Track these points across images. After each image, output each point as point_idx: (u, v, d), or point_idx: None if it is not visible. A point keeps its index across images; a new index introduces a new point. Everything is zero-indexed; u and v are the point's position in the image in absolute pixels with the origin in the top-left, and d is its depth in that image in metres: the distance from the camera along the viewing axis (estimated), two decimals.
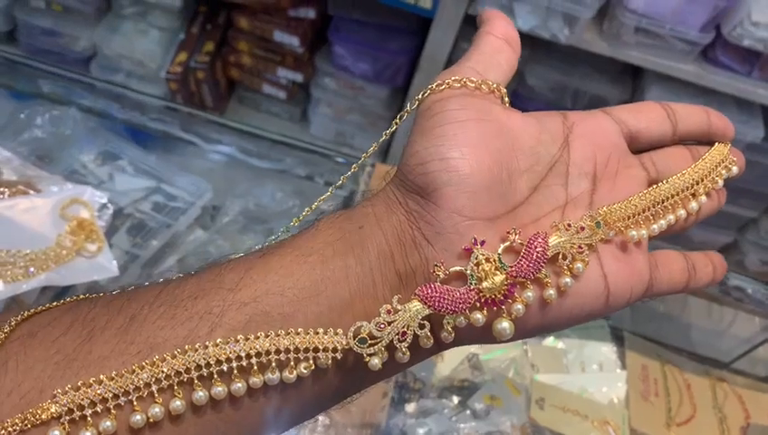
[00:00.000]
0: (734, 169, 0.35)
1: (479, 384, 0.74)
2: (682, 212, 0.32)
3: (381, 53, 1.39)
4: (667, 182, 0.32)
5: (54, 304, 0.28)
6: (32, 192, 0.61)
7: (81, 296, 0.29)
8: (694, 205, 0.33)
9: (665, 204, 0.32)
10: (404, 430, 0.69)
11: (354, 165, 0.37)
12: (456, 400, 0.72)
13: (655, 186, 0.32)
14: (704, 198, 0.33)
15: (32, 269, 0.57)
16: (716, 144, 0.35)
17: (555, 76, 1.32)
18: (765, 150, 1.27)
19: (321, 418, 0.61)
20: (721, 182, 0.34)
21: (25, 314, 0.27)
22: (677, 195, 0.32)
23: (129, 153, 0.74)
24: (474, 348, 0.80)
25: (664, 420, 0.76)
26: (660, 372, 0.81)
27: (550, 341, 0.83)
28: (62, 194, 0.62)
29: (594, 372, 0.80)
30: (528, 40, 1.25)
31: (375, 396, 0.66)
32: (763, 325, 0.79)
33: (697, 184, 0.33)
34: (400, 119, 0.34)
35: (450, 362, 0.78)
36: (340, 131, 1.54)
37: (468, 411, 0.70)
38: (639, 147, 0.34)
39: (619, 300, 0.30)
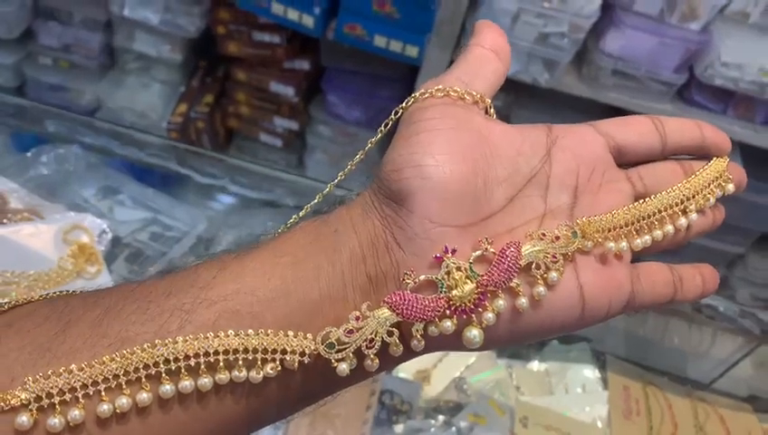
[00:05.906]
0: (730, 187, 0.33)
1: (464, 405, 0.77)
2: (670, 228, 0.31)
3: (373, 101, 1.45)
4: (654, 198, 0.31)
5: (35, 298, 0.29)
6: (36, 219, 0.66)
7: (62, 292, 0.31)
8: (683, 221, 0.32)
9: (651, 219, 0.31)
10: None
11: (330, 184, 0.37)
12: (441, 419, 0.75)
13: (641, 201, 0.31)
14: (694, 215, 0.32)
15: (35, 289, 0.60)
16: (714, 159, 0.33)
17: (540, 118, 1.36)
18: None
19: (306, 429, 0.63)
20: (713, 200, 0.33)
21: (5, 307, 0.28)
22: (665, 211, 0.31)
23: (128, 188, 0.78)
24: (460, 371, 0.83)
25: None
26: (642, 392, 0.83)
27: (534, 364, 0.86)
28: (65, 220, 0.67)
29: (577, 394, 0.83)
30: (512, 85, 1.30)
31: (358, 409, 0.69)
32: (739, 345, 0.82)
33: (688, 200, 0.32)
34: (385, 126, 0.34)
35: (437, 385, 0.80)
36: (336, 177, 1.60)
37: (453, 429, 0.73)
38: (627, 161, 0.33)
39: (597, 312, 0.29)
